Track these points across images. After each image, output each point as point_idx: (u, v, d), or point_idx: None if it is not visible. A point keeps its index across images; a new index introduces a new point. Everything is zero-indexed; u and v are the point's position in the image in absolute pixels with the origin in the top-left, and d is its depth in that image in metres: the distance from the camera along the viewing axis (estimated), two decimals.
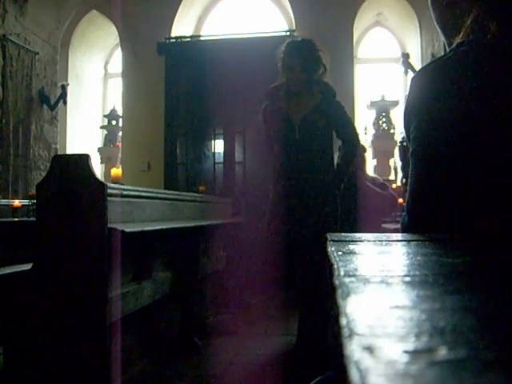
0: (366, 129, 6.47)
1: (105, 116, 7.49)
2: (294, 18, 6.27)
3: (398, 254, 0.71)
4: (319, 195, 2.83)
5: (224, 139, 6.60)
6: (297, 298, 2.77)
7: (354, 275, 0.44)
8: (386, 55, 7.10)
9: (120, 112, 6.95)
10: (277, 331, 3.50)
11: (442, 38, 1.25)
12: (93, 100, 7.80)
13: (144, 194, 2.84)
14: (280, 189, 2.76)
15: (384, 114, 6.51)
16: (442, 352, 0.25)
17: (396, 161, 6.04)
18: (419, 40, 6.22)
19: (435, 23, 1.25)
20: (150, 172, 6.34)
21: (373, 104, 6.53)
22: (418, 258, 0.60)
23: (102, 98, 7.97)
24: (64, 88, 6.76)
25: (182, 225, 3.10)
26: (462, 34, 1.13)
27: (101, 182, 2.24)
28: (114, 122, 7.38)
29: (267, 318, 3.74)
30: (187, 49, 6.49)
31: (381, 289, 0.40)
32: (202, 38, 6.78)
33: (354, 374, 0.22)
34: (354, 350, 0.25)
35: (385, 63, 7.17)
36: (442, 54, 1.25)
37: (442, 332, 0.28)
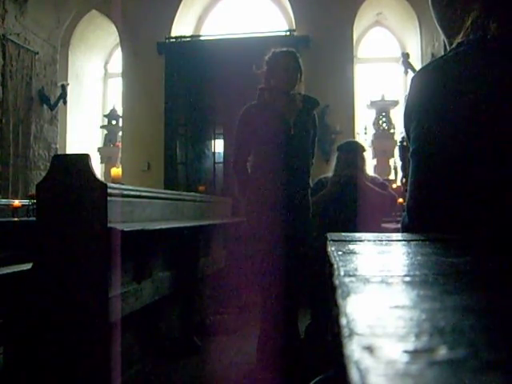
0: (365, 129, 6.47)
1: (105, 116, 7.48)
2: (294, 18, 6.27)
3: (398, 253, 0.71)
4: (303, 192, 2.86)
5: (224, 139, 6.60)
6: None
7: (354, 275, 0.44)
8: (386, 55, 7.10)
9: (120, 112, 6.94)
10: None
11: (443, 37, 1.25)
12: (93, 100, 7.79)
13: (144, 193, 2.85)
14: (270, 185, 2.76)
15: (384, 113, 6.50)
16: (442, 352, 0.25)
17: (396, 160, 6.03)
18: (419, 40, 6.22)
19: (436, 23, 1.25)
20: (149, 172, 6.33)
21: (373, 104, 6.52)
22: (418, 257, 0.60)
23: (101, 97, 7.96)
24: (64, 88, 6.76)
25: (182, 225, 3.11)
26: (462, 33, 1.14)
27: (101, 182, 2.24)
28: (113, 122, 7.36)
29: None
30: (187, 49, 6.49)
31: (381, 289, 0.40)
32: (202, 38, 6.78)
33: (354, 374, 0.22)
34: (354, 350, 0.25)
35: (385, 63, 7.16)
36: (442, 53, 1.25)
37: (442, 332, 0.28)
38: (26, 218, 4.36)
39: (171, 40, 6.46)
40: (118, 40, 6.92)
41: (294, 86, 2.86)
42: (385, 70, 7.14)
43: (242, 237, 3.52)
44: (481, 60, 1.07)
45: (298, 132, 2.80)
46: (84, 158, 2.25)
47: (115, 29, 6.80)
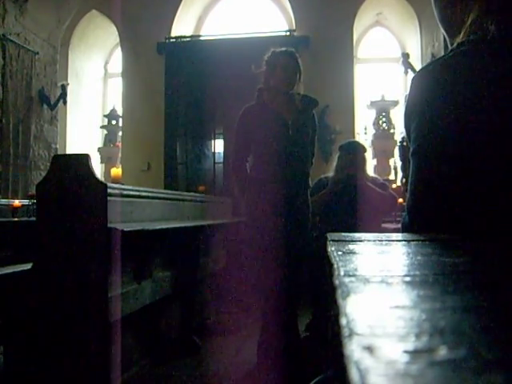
0: (365, 129, 6.47)
1: (105, 116, 7.48)
2: (294, 18, 6.27)
3: (398, 253, 0.71)
4: (302, 191, 2.86)
5: (224, 139, 6.60)
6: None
7: (354, 275, 0.44)
8: (386, 55, 7.10)
9: (120, 112, 6.95)
10: None
11: (443, 37, 1.25)
12: (93, 100, 7.79)
13: (144, 193, 2.84)
14: (269, 185, 2.75)
15: (384, 113, 6.50)
16: (442, 352, 0.25)
17: (396, 161, 6.03)
18: (419, 40, 6.22)
19: (438, 22, 1.25)
20: (149, 172, 6.34)
21: (373, 104, 6.52)
22: (418, 257, 0.60)
23: (101, 97, 7.96)
24: (64, 88, 6.76)
25: (182, 225, 3.10)
26: (462, 33, 1.14)
27: (101, 182, 2.24)
28: (113, 122, 7.36)
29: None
30: (187, 49, 6.49)
31: (381, 289, 0.40)
32: (201, 38, 6.77)
33: (353, 374, 0.22)
34: (353, 350, 0.25)
35: (385, 63, 7.16)
36: (442, 53, 1.26)
37: (442, 332, 0.28)
38: (26, 218, 4.36)
39: (171, 40, 6.46)
40: (118, 40, 6.92)
41: (293, 86, 2.85)
42: (385, 70, 7.13)
43: (242, 237, 3.52)
44: (481, 60, 1.07)
45: (297, 132, 2.80)
46: (84, 158, 2.25)
47: (115, 29, 6.80)
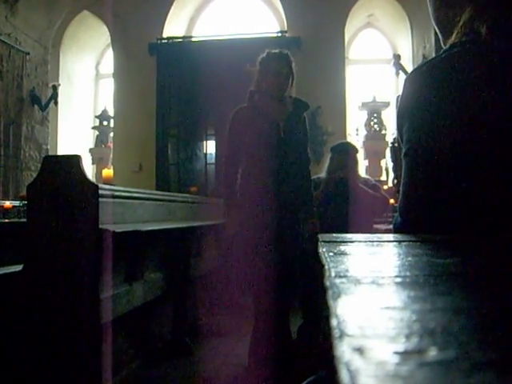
0: (357, 130, 6.49)
1: (96, 117, 7.46)
2: (286, 19, 6.28)
3: (389, 254, 0.71)
4: (295, 193, 2.85)
5: (216, 140, 6.60)
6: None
7: (345, 276, 0.44)
8: (378, 56, 7.12)
9: (111, 113, 6.93)
10: None
11: (437, 33, 1.25)
12: (84, 101, 7.76)
13: (135, 194, 2.84)
14: (261, 187, 2.75)
15: (375, 115, 6.52)
16: (433, 353, 0.25)
17: (387, 162, 6.05)
18: (410, 41, 6.25)
19: (432, 21, 1.25)
20: (141, 173, 6.32)
21: (364, 105, 6.54)
22: (409, 258, 0.60)
23: (93, 98, 7.93)
24: (55, 88, 6.73)
25: (174, 226, 3.10)
26: (454, 35, 1.14)
27: (92, 183, 2.23)
28: (105, 123, 7.34)
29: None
30: (179, 49, 6.49)
31: (372, 290, 0.40)
32: (193, 39, 6.77)
33: (344, 375, 0.22)
34: (344, 351, 0.25)
35: (376, 64, 7.19)
36: (433, 55, 1.26)
37: (433, 333, 0.28)
38: (16, 220, 4.34)
39: (163, 41, 6.45)
40: (109, 40, 6.90)
41: (284, 90, 2.85)
42: (376, 71, 7.16)
43: (234, 239, 3.52)
44: (472, 62, 1.07)
45: (289, 134, 2.80)
46: (75, 159, 2.24)
47: (107, 29, 6.79)
